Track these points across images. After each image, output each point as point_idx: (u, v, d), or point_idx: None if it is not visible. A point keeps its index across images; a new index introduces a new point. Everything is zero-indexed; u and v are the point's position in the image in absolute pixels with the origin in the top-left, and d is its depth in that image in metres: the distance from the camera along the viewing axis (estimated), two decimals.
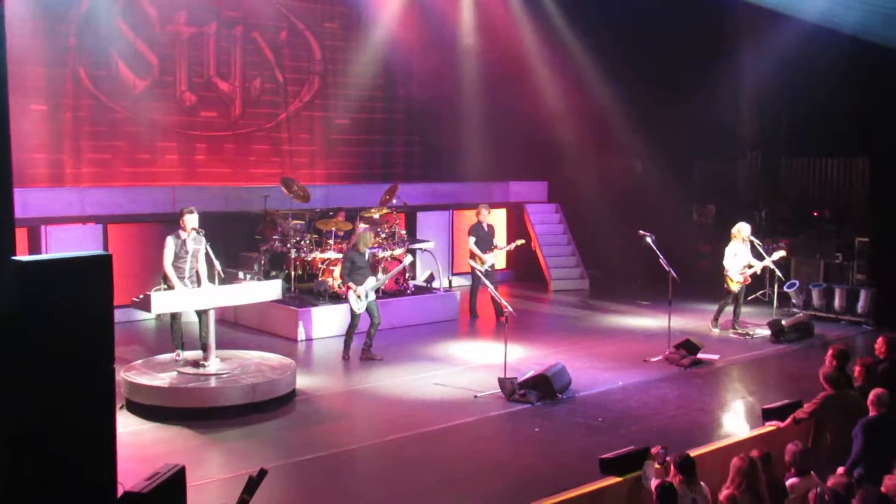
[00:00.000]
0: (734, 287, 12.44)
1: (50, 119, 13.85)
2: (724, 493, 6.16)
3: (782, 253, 12.83)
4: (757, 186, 17.72)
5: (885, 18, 12.46)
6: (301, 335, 11.88)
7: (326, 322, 12.01)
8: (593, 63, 16.82)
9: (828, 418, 7.47)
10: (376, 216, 13.61)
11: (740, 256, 12.41)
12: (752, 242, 12.53)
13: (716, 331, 12.66)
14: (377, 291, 11.11)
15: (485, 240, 13.05)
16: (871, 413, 7.06)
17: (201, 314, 9.57)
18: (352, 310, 10.78)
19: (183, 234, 9.63)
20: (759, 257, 12.51)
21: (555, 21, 17.26)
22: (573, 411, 8.97)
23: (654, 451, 6.68)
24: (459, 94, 17.84)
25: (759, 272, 12.80)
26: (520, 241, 13.55)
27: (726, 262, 12.44)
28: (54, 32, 13.73)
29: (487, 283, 11.02)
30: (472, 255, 12.93)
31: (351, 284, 10.70)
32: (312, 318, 11.99)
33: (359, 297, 10.69)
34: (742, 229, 12.48)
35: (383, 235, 13.15)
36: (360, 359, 10.85)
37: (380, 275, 11.68)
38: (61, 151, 14.04)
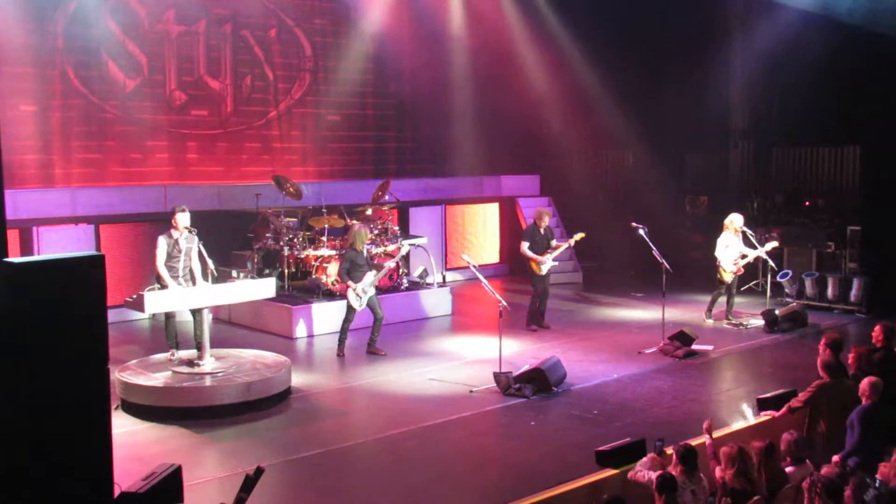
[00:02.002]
0: (727, 277, 12.48)
1: (39, 119, 13.79)
2: (718, 473, 6.24)
3: (775, 243, 12.87)
4: (749, 177, 17.75)
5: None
6: (295, 333, 11.87)
7: (321, 319, 12.01)
8: (584, 56, 16.83)
9: (822, 407, 7.51)
10: (369, 212, 13.59)
11: (732, 247, 12.45)
12: (744, 233, 12.57)
13: (709, 321, 12.70)
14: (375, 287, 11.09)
15: (541, 243, 12.22)
16: (865, 402, 7.08)
17: (196, 313, 9.55)
18: (349, 305, 10.80)
19: (175, 234, 9.61)
20: (752, 248, 12.55)
21: (544, 14, 17.25)
22: (569, 404, 8.99)
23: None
24: (450, 89, 17.83)
25: (752, 261, 12.85)
26: (579, 235, 12.44)
27: (718, 253, 12.48)
28: (42, 32, 13.67)
29: (480, 276, 10.73)
30: (528, 260, 12.16)
31: (350, 283, 10.71)
32: (307, 315, 11.99)
33: (358, 295, 10.72)
34: (734, 220, 12.52)
35: (376, 231, 13.14)
36: (366, 353, 10.89)
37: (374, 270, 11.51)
38: (51, 152, 13.98)
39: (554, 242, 12.45)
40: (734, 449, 6.19)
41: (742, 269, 12.61)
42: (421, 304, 13.23)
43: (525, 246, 12.21)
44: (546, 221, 12.34)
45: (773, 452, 6.40)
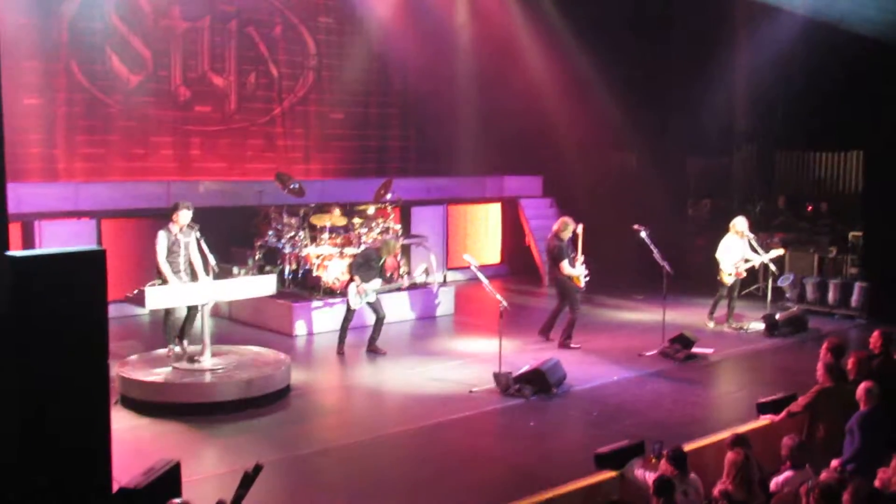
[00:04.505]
0: (727, 280, 12.45)
1: (43, 113, 13.78)
2: (718, 487, 6.19)
3: (780, 251, 12.89)
4: (751, 181, 17.74)
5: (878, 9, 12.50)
6: (295, 330, 11.87)
7: (321, 317, 12.01)
8: (589, 58, 16.80)
9: (822, 411, 7.50)
10: (371, 211, 13.58)
11: (733, 250, 12.42)
12: (749, 240, 12.52)
13: (711, 325, 12.68)
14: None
15: (570, 256, 11.35)
16: (863, 407, 7.08)
17: (196, 309, 9.54)
18: (348, 304, 10.80)
19: (174, 228, 9.60)
20: (756, 253, 12.53)
21: (550, 16, 17.23)
22: (568, 406, 9.00)
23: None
24: (454, 89, 17.82)
25: (756, 266, 12.85)
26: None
27: (718, 255, 12.46)
28: (47, 26, 13.66)
29: (481, 276, 10.61)
30: (569, 277, 11.32)
31: (356, 278, 10.72)
32: (307, 313, 11.99)
33: (359, 293, 10.71)
34: (737, 223, 12.49)
35: (378, 231, 13.13)
36: (366, 352, 10.88)
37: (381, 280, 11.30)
38: (55, 146, 13.97)
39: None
40: (741, 456, 6.10)
41: (743, 273, 12.58)
42: (422, 304, 13.23)
43: (567, 265, 11.25)
44: (570, 231, 11.30)
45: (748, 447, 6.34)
